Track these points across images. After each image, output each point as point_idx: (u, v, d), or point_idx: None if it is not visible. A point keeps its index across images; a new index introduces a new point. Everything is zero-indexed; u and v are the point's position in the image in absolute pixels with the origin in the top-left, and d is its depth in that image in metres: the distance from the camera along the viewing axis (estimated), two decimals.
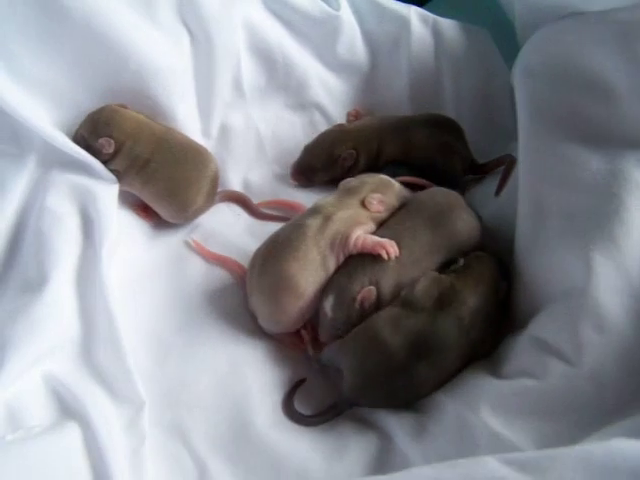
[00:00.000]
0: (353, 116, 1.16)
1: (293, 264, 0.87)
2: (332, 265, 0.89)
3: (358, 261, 0.87)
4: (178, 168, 1.00)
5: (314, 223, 0.89)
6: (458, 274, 0.86)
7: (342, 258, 0.89)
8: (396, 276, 0.86)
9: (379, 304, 0.86)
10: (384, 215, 0.93)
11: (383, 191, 0.94)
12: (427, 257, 0.89)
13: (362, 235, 0.88)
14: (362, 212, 0.92)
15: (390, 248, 0.85)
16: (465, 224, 0.92)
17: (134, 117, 0.99)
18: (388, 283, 0.86)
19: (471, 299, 0.82)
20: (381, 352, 0.80)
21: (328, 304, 0.87)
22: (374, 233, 0.90)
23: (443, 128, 1.09)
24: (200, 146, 1.05)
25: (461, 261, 0.88)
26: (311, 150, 1.11)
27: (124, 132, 0.97)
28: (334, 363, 0.85)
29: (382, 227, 0.92)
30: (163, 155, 0.99)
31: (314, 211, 0.92)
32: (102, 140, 0.95)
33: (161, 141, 0.99)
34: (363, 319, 0.84)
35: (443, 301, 0.82)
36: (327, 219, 0.90)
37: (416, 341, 0.79)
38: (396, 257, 0.86)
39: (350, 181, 0.97)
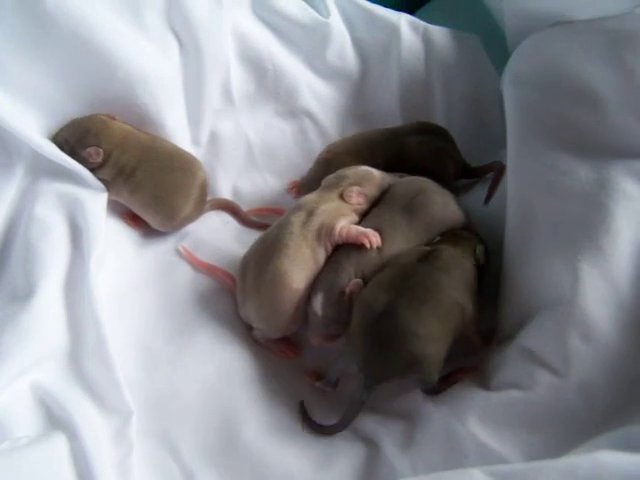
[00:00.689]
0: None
1: (285, 260, 0.87)
2: (322, 257, 0.90)
3: (343, 256, 0.88)
4: (165, 176, 0.99)
5: (298, 219, 0.90)
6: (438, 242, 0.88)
7: (330, 249, 0.90)
8: (381, 267, 0.87)
9: None
10: (365, 206, 0.95)
11: (362, 183, 0.95)
12: (409, 245, 0.90)
13: (346, 225, 0.89)
14: (343, 205, 0.93)
15: (373, 237, 0.87)
16: (439, 206, 0.93)
17: (121, 127, 0.99)
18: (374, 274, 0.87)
19: (449, 252, 0.84)
20: (367, 305, 0.80)
21: (317, 302, 0.87)
22: (357, 224, 0.91)
23: (433, 134, 1.09)
24: (188, 154, 1.05)
25: (437, 237, 0.90)
26: (317, 180, 1.05)
27: (112, 142, 0.97)
28: (346, 354, 0.84)
29: (363, 220, 0.93)
30: (150, 164, 0.99)
31: (297, 208, 0.93)
32: (90, 149, 0.95)
33: (148, 150, 0.99)
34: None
35: (423, 256, 0.84)
36: (310, 213, 0.91)
37: (396, 282, 0.80)
38: (379, 248, 0.87)
39: (331, 177, 0.98)
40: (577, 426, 0.68)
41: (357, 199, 0.93)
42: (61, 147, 0.93)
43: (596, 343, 0.69)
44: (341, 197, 0.93)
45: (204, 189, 1.05)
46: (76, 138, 0.95)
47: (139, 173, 0.98)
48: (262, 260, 0.90)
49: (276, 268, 0.87)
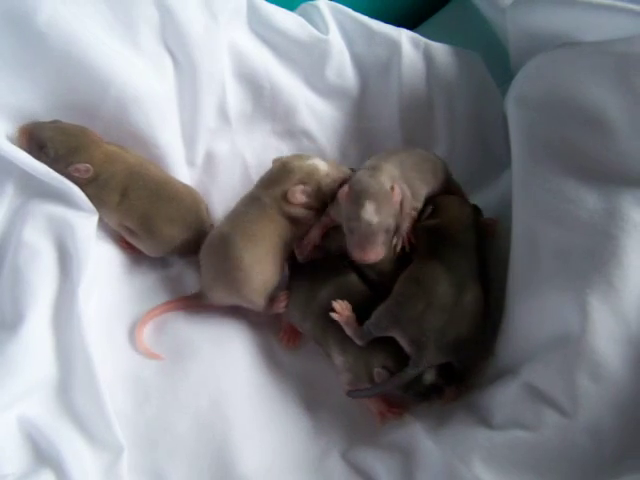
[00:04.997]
0: None
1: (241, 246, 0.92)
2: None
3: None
4: (151, 205, 0.95)
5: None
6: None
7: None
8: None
9: None
10: (311, 202, 0.94)
11: (307, 180, 0.94)
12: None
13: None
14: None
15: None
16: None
17: (107, 149, 0.95)
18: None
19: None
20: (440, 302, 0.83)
21: (369, 212, 0.84)
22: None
23: None
24: (178, 183, 1.01)
25: (429, 208, 0.94)
26: None
27: (98, 163, 0.93)
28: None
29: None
30: (137, 192, 0.95)
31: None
32: (80, 165, 0.91)
33: (134, 176, 0.95)
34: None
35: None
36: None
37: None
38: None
39: (276, 168, 0.98)
40: (585, 469, 0.66)
41: (300, 198, 0.93)
42: (43, 146, 0.90)
43: (606, 382, 0.67)
44: (284, 197, 0.93)
45: (196, 218, 1.01)
46: (67, 149, 0.91)
47: (125, 200, 0.94)
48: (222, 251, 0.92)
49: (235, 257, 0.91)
